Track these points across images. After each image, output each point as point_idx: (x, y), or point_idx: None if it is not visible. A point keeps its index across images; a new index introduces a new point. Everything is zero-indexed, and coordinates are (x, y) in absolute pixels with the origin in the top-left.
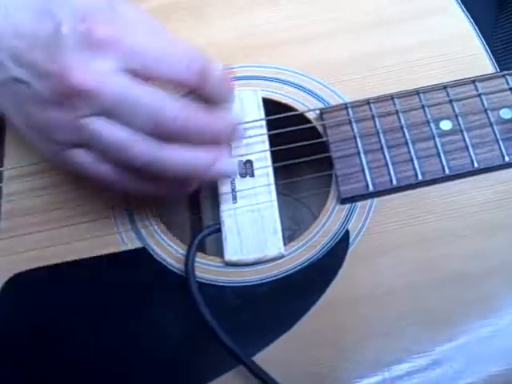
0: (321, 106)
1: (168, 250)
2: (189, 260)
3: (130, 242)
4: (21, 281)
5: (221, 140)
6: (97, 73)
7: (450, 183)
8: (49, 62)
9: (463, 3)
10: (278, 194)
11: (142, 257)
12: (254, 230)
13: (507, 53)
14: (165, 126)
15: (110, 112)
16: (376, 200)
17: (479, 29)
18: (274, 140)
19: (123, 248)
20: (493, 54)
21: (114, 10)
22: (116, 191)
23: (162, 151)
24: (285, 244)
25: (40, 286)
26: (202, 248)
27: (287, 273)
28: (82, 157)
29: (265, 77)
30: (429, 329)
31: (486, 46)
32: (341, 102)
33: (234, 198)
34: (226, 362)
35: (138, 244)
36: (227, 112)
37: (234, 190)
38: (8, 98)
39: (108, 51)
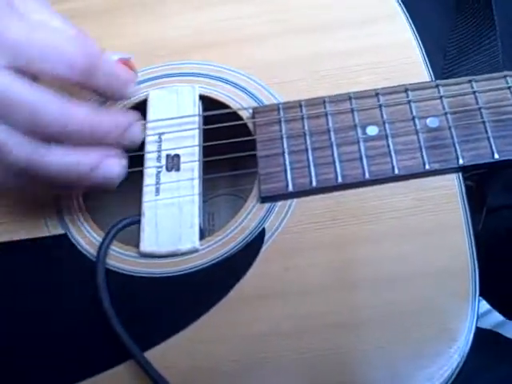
0: (256, 105)
1: (88, 237)
2: (102, 246)
3: (53, 229)
4: None
5: (108, 141)
6: None
7: (371, 188)
8: None
9: (417, 8)
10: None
11: (63, 243)
12: (171, 223)
13: (460, 56)
14: (41, 127)
15: None
16: (296, 201)
17: (433, 34)
18: (211, 138)
19: (46, 234)
20: (445, 58)
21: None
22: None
23: (39, 154)
24: (202, 239)
25: None
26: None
27: (198, 268)
28: None
29: (208, 75)
30: (336, 329)
31: (425, 56)
32: (275, 102)
33: (157, 191)
34: (119, 355)
35: (60, 231)
36: (123, 111)
37: (158, 183)
38: None
39: None
